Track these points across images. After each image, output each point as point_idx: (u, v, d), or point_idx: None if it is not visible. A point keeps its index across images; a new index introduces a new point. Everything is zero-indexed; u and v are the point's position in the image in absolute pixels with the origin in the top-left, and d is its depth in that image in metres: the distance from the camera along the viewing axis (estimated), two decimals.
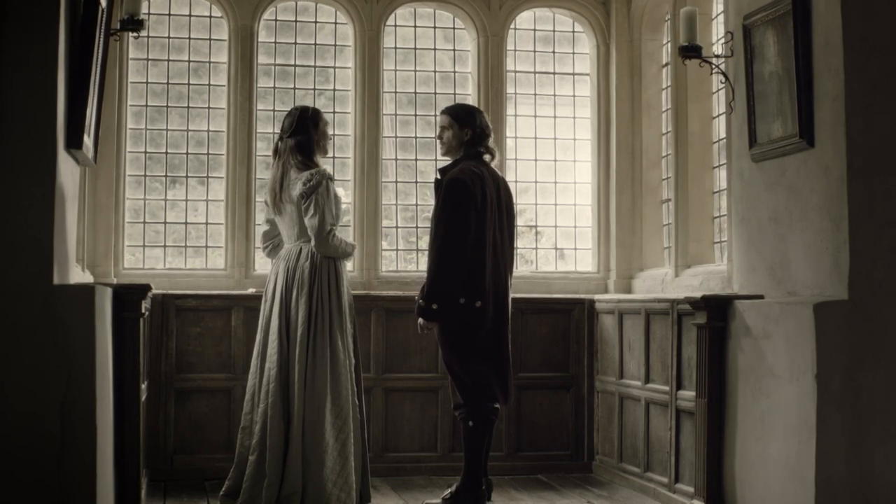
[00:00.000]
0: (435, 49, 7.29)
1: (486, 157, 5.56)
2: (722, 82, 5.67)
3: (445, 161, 5.64)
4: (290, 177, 5.37)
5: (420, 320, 5.47)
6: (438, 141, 5.63)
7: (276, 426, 5.17)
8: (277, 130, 5.58)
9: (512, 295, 6.67)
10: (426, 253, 5.70)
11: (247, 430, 5.30)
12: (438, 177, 5.51)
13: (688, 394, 5.55)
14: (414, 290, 6.73)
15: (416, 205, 7.18)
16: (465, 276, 5.38)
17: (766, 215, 5.17)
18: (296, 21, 7.12)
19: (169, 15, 6.95)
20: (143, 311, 5.16)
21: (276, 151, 5.50)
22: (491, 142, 5.59)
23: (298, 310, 5.23)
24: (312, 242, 5.28)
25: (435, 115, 7.17)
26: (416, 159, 7.22)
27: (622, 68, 7.24)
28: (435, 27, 7.30)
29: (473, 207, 5.36)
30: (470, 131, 5.51)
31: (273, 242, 5.57)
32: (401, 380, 6.59)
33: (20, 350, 4.23)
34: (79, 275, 5.30)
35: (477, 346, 5.44)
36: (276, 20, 7.09)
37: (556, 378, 6.77)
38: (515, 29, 7.34)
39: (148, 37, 6.81)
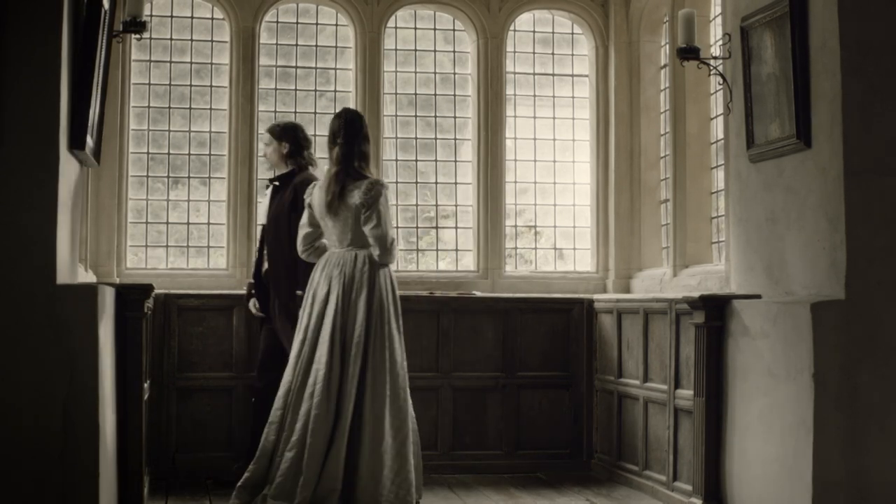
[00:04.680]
0: (435, 51, 7.33)
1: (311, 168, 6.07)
2: (720, 83, 5.70)
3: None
4: (348, 183, 5.36)
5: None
6: (263, 158, 6.21)
7: (320, 427, 5.16)
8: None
9: (510, 294, 6.79)
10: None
11: (274, 425, 5.28)
12: (277, 184, 6.00)
13: (686, 393, 5.58)
14: (414, 289, 6.78)
15: (417, 205, 7.21)
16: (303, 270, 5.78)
17: (764, 215, 5.20)
18: (297, 23, 7.15)
19: (171, 17, 6.99)
20: (146, 310, 5.18)
21: (345, 155, 5.37)
22: (309, 154, 6.09)
23: (357, 313, 5.26)
24: (377, 252, 5.31)
25: (435, 117, 7.22)
26: (417, 160, 7.25)
27: (621, 70, 7.27)
28: (435, 29, 7.34)
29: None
30: (287, 144, 6.02)
31: (315, 245, 5.56)
32: None
33: (24, 349, 4.25)
34: (82, 275, 5.32)
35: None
36: (277, 22, 7.12)
37: (555, 377, 6.80)
38: (515, 31, 7.38)
39: (150, 38, 6.85)
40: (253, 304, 6.10)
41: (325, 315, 5.28)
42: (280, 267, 5.83)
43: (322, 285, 5.36)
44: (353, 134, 5.39)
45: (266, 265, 5.99)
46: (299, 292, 5.64)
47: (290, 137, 6.01)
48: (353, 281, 5.29)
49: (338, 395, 5.21)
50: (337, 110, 7.06)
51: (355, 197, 5.31)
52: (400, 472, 5.21)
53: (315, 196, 5.45)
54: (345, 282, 5.29)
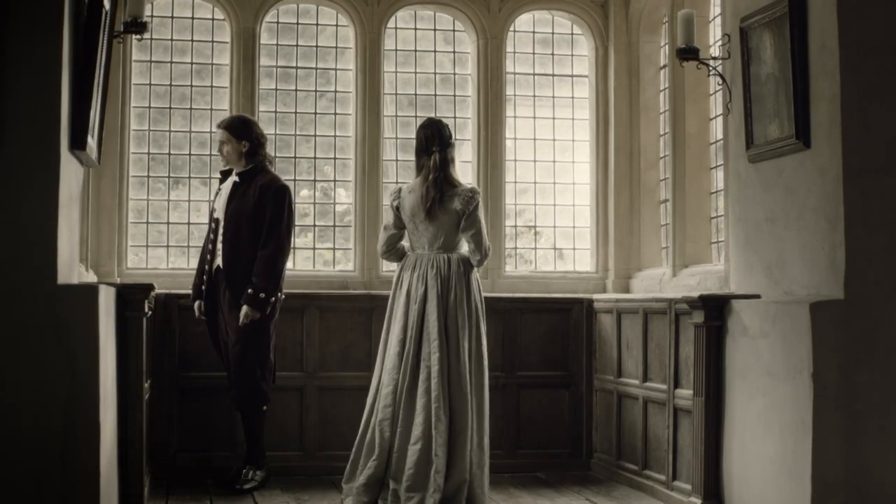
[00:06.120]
0: (435, 51, 7.34)
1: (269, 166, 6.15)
2: (719, 84, 5.71)
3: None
4: (446, 189, 5.60)
5: (257, 314, 5.87)
6: (220, 154, 6.09)
7: (442, 419, 5.38)
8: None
9: (510, 294, 6.73)
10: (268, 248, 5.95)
11: (387, 421, 5.47)
12: (237, 180, 6.01)
13: (685, 392, 5.59)
14: None
15: None
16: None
17: (763, 215, 5.21)
18: (297, 23, 7.16)
19: (172, 17, 6.99)
20: (147, 310, 5.20)
21: (442, 162, 5.61)
22: (265, 152, 6.11)
23: (458, 314, 5.52)
24: (477, 257, 5.64)
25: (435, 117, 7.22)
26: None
27: (620, 70, 7.28)
28: (435, 29, 7.35)
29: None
30: (247, 143, 6.01)
31: (396, 247, 5.81)
32: None
33: (24, 349, 4.26)
34: (83, 275, 5.33)
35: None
36: (277, 22, 7.13)
37: (554, 377, 6.82)
38: (515, 31, 7.39)
39: (151, 39, 6.85)
40: (198, 308, 6.09)
41: (427, 313, 5.53)
42: (239, 262, 5.91)
43: (417, 285, 5.60)
44: (445, 142, 5.66)
45: (219, 260, 5.99)
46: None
47: (250, 135, 6.02)
48: (450, 281, 5.57)
49: (450, 391, 5.45)
50: (337, 110, 7.15)
51: (455, 203, 5.60)
52: (479, 464, 5.49)
53: (407, 200, 5.68)
54: (441, 282, 5.56)
